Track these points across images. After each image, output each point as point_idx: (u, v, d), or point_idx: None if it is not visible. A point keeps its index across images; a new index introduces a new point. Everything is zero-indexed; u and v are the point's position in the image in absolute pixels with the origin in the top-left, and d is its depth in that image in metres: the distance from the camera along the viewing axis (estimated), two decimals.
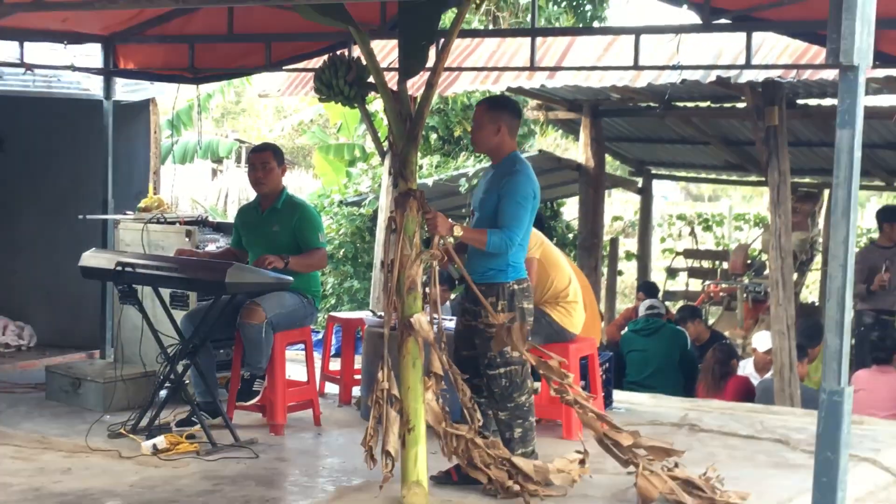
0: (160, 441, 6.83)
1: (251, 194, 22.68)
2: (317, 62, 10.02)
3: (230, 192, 25.96)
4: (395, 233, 5.81)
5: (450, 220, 5.95)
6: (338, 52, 6.57)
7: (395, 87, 6.01)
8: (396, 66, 6.28)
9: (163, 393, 7.29)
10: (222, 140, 24.18)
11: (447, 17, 9.31)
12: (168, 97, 11.22)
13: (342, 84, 6.18)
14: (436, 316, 5.89)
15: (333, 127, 20.34)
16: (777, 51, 9.35)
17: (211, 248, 8.31)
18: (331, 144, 18.48)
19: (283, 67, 9.83)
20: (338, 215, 15.56)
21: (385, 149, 10.89)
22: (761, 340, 10.20)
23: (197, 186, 25.88)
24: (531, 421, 6.20)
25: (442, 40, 6.20)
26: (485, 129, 6.17)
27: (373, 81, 6.09)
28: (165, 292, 7.54)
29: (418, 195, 5.82)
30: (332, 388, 8.51)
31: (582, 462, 6.05)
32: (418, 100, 6.38)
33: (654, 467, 5.77)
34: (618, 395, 8.51)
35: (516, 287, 6.08)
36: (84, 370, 8.24)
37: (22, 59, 9.00)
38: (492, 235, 5.91)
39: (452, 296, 9.47)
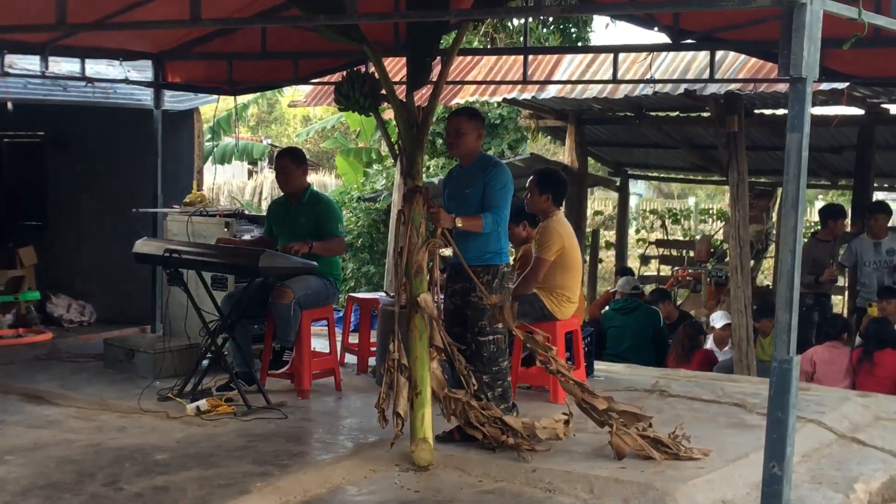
0: (202, 404, 6.82)
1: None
2: (338, 76, 10.02)
3: (264, 189, 25.94)
4: (404, 224, 5.81)
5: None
6: (355, 68, 6.53)
7: (404, 98, 6.00)
8: (405, 79, 6.27)
9: (205, 362, 7.27)
10: (256, 144, 24.15)
11: (449, 38, 9.27)
12: (209, 107, 11.20)
13: (358, 96, 6.16)
14: (439, 296, 5.91)
15: (353, 133, 20.28)
16: (737, 67, 9.33)
17: (246, 237, 8.30)
18: (350, 148, 18.42)
19: (309, 81, 9.80)
20: (357, 210, 15.53)
21: (397, 152, 10.88)
22: (718, 319, 10.24)
23: (235, 184, 25.86)
24: (508, 381, 6.29)
25: (444, 58, 6.17)
26: (469, 135, 6.17)
27: (385, 93, 6.08)
28: (207, 275, 7.52)
29: (424, 191, 5.83)
30: (351, 359, 8.48)
31: (567, 422, 6.05)
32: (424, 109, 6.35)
33: (627, 428, 5.77)
34: (598, 365, 8.50)
35: (505, 270, 6.21)
36: (137, 342, 8.22)
37: (83, 74, 8.98)
38: (485, 218, 5.99)
39: None
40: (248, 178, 27.87)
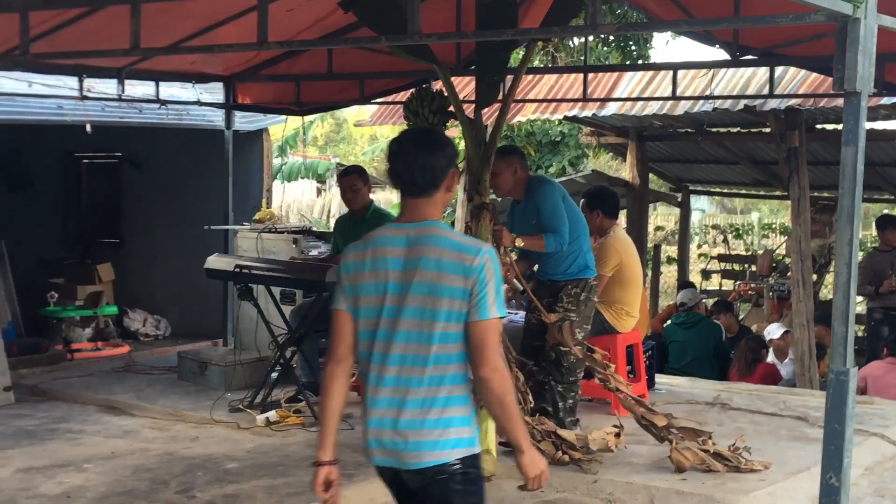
0: (272, 415, 6.92)
1: None
2: (401, 96, 10.11)
3: (332, 206, 26.17)
4: None
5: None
6: (424, 86, 6.62)
7: (471, 116, 6.05)
8: (471, 98, 6.32)
9: (274, 375, 7.35)
10: (322, 162, 24.39)
11: (515, 57, 9.29)
12: (278, 126, 11.35)
13: (427, 112, 6.23)
14: (507, 311, 5.95)
15: None
16: (797, 82, 9.22)
17: (314, 252, 8.40)
18: None
19: (374, 101, 9.89)
20: None
21: (461, 169, 10.93)
22: (774, 329, 10.17)
23: (304, 202, 26.12)
24: (578, 394, 6.32)
25: (512, 77, 6.21)
26: (504, 174, 6.19)
27: (452, 110, 6.13)
28: (276, 290, 7.62)
29: (490, 208, 5.86)
30: None
31: (618, 434, 6.04)
32: (490, 127, 6.40)
33: (686, 443, 5.74)
34: (660, 378, 8.44)
35: (594, 283, 6.31)
36: (209, 355, 8.35)
37: (157, 96, 9.15)
38: (546, 238, 6.03)
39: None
40: (317, 196, 28.13)
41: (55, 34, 6.74)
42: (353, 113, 24.53)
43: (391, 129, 23.15)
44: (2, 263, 9.07)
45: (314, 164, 23.01)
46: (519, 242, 5.94)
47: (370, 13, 5.30)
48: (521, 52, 8.42)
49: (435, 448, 3.11)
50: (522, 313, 6.88)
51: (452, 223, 11.67)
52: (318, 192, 28.66)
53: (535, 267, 6.63)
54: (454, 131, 13.03)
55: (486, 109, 6.31)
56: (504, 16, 5.50)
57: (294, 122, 12.05)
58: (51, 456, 6.20)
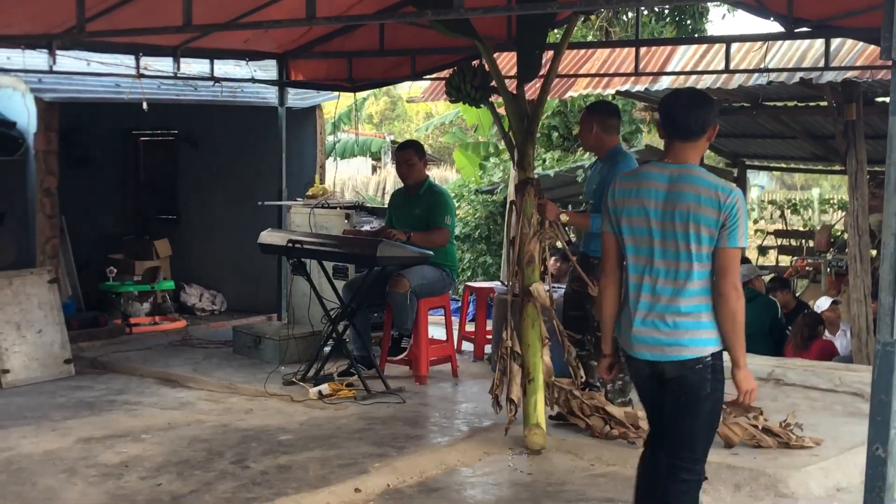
0: (325, 388, 7.02)
1: None
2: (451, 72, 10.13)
3: (387, 184, 26.30)
4: (516, 215, 5.87)
5: (557, 206, 6.02)
6: (472, 63, 6.63)
7: (515, 91, 6.05)
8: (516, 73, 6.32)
9: (326, 349, 7.46)
10: (376, 139, 24.51)
11: (560, 33, 9.28)
12: (331, 103, 11.41)
13: (469, 88, 6.25)
14: (552, 285, 5.96)
15: (471, 128, 20.41)
16: (855, 54, 9.09)
17: (366, 227, 8.48)
18: (468, 142, 18.54)
19: (425, 77, 9.91)
20: (474, 202, 15.66)
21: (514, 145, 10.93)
22: (822, 303, 10.07)
23: (360, 179, 26.27)
24: (628, 374, 6.23)
25: (555, 51, 6.19)
26: (582, 128, 6.24)
27: (495, 86, 6.15)
28: (328, 265, 7.71)
29: (535, 183, 5.87)
30: (467, 346, 8.59)
31: None
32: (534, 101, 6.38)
33: (735, 417, 5.72)
34: None
35: None
36: (263, 330, 8.47)
37: (212, 74, 9.24)
38: (594, 219, 5.95)
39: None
40: (372, 174, 28.28)
41: (112, 13, 6.85)
42: (408, 90, 24.63)
43: (446, 106, 23.20)
44: (63, 239, 9.25)
45: (367, 141, 23.13)
46: (564, 217, 5.93)
47: None
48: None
49: (692, 344, 3.81)
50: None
51: (506, 198, 11.70)
52: (374, 169, 28.83)
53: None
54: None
55: (529, 84, 6.30)
56: None
57: (347, 99, 12.13)
58: (110, 426, 6.35)
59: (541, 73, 6.37)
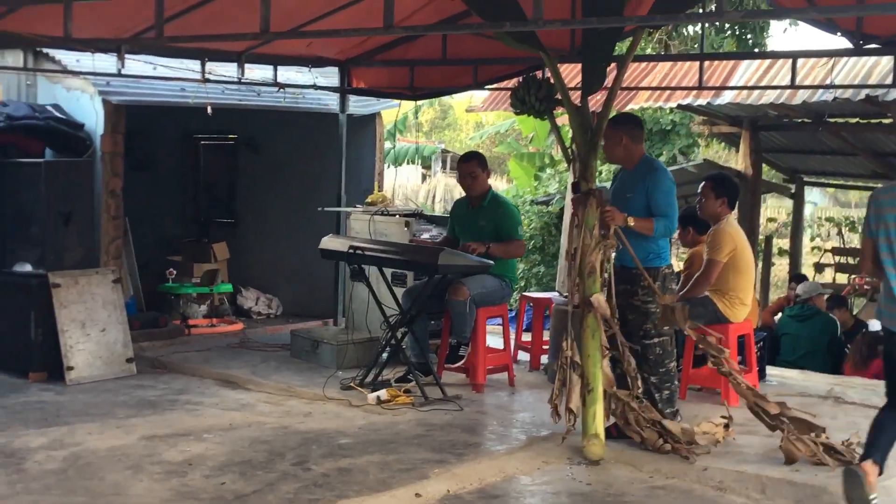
0: (383, 393, 7.09)
1: (455, 195, 23.06)
2: (514, 82, 10.17)
3: (437, 192, 26.41)
4: (578, 226, 5.90)
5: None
6: (532, 74, 6.68)
7: (578, 103, 6.09)
8: (580, 85, 6.36)
9: (384, 355, 7.53)
10: (428, 146, 24.63)
11: (624, 45, 9.32)
12: (390, 111, 11.49)
13: (534, 100, 6.29)
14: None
15: (525, 138, 20.45)
16: None
17: (425, 236, 8.55)
18: (523, 153, 18.59)
19: (487, 87, 9.97)
20: (529, 212, 15.68)
21: (570, 156, 10.95)
22: (873, 323, 9.96)
23: (409, 186, 26.42)
24: (676, 384, 6.32)
25: (619, 64, 6.22)
26: (610, 141, 6.25)
27: (560, 98, 6.19)
28: (388, 272, 7.78)
29: (597, 194, 5.90)
30: (523, 356, 8.62)
31: (726, 426, 6.04)
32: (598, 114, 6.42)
33: (798, 434, 5.71)
34: (771, 370, 8.39)
35: (667, 272, 6.23)
36: (321, 334, 8.56)
37: (275, 80, 9.38)
38: (657, 222, 6.04)
39: None
40: (423, 182, 28.41)
41: (181, 18, 6.99)
42: (458, 99, 24.74)
43: (497, 115, 23.25)
44: (126, 240, 9.43)
45: (420, 148, 23.29)
46: (630, 222, 5.95)
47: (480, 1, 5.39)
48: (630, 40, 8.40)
49: None
50: None
51: (562, 209, 11.73)
52: (423, 177, 28.96)
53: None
54: (561, 119, 13.09)
55: (594, 97, 6.33)
56: (611, 1, 5.51)
57: (403, 106, 12.23)
58: (172, 425, 6.48)
59: (604, 85, 6.42)
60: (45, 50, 8.52)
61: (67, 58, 8.75)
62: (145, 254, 10.48)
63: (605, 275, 5.91)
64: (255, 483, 5.34)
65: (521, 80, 6.50)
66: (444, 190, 26.23)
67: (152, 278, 10.39)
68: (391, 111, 11.15)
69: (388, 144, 13.85)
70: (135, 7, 7.05)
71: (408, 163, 23.22)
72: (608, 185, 12.65)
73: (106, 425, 6.45)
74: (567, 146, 6.30)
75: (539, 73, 8.51)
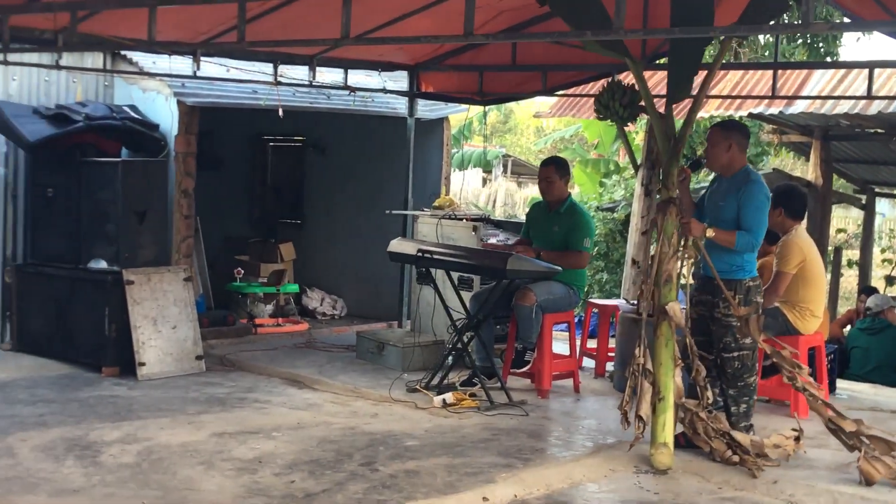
0: (448, 396, 7.14)
1: (515, 200, 23.03)
2: (583, 88, 10.19)
3: (498, 197, 26.42)
4: (656, 233, 5.89)
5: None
6: (613, 79, 6.67)
7: (662, 110, 6.08)
8: (660, 93, 6.35)
9: (450, 358, 7.56)
10: (492, 151, 24.67)
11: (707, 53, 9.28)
12: (458, 115, 11.56)
13: (618, 106, 6.28)
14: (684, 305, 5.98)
15: (590, 145, 20.40)
16: None
17: (492, 241, 8.60)
18: (588, 159, 18.56)
19: (555, 93, 9.98)
20: (593, 219, 15.64)
21: (638, 163, 10.91)
22: None
23: (470, 191, 26.47)
24: (754, 399, 6.25)
25: (706, 72, 6.18)
26: (718, 146, 6.19)
27: (642, 104, 6.18)
28: (454, 276, 7.82)
29: (678, 202, 5.89)
30: (588, 363, 8.63)
31: (797, 439, 5.98)
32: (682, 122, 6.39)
33: (877, 453, 5.64)
34: (840, 383, 8.31)
35: (751, 284, 6.13)
36: (387, 336, 8.64)
37: (346, 83, 9.48)
38: (740, 236, 5.97)
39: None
40: (483, 186, 28.44)
41: (255, 22, 7.11)
42: (520, 103, 24.70)
43: (558, 122, 23.21)
44: (196, 239, 9.59)
45: (482, 153, 23.35)
46: (710, 234, 5.93)
47: (565, 6, 5.41)
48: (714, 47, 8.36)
49: None
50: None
51: (627, 216, 11.70)
52: (484, 181, 28.98)
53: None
54: (631, 126, 13.03)
55: (677, 104, 6.31)
56: (700, 10, 5.51)
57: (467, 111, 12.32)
58: (242, 423, 6.58)
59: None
60: (122, 52, 8.71)
61: (144, 60, 8.93)
62: (213, 253, 10.65)
63: (682, 284, 5.90)
64: (323, 482, 5.41)
65: (605, 85, 6.51)
66: (505, 195, 26.25)
67: (220, 277, 10.56)
68: (458, 115, 11.20)
69: (453, 149, 13.93)
70: (211, 11, 7.21)
71: (472, 167, 23.29)
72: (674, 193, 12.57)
73: (177, 421, 6.58)
74: (636, 155, 6.30)
75: (605, 81, 8.53)
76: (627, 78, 7.19)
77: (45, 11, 6.44)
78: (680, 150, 5.94)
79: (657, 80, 9.25)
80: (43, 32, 7.17)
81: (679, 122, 6.33)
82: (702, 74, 6.09)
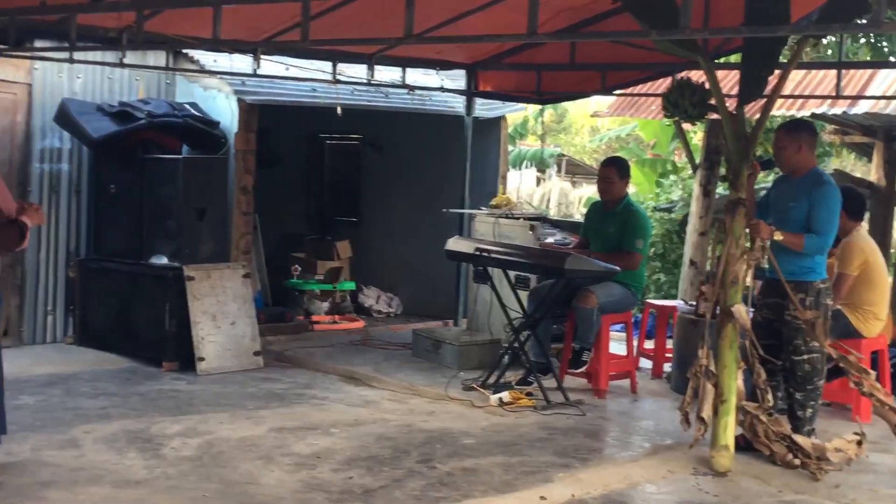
0: (505, 395, 7.15)
1: (570, 199, 22.92)
2: (641, 88, 10.12)
3: (552, 197, 26.33)
4: (724, 234, 5.84)
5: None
6: (677, 78, 6.61)
7: (733, 110, 6.01)
8: (728, 91, 6.27)
9: (506, 357, 7.59)
10: (547, 149, 24.62)
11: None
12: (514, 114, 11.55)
13: (687, 104, 6.22)
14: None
15: (646, 144, 20.26)
16: None
17: (549, 240, 8.58)
18: (645, 159, 18.43)
19: (614, 92, 9.94)
20: (650, 219, 15.53)
21: (696, 163, 10.83)
22: None
23: (525, 190, 26.40)
24: (819, 403, 6.18)
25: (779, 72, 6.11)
26: (787, 149, 6.14)
27: (712, 103, 6.12)
28: (511, 274, 7.82)
29: (747, 203, 5.83)
30: (645, 363, 8.59)
31: (859, 443, 5.91)
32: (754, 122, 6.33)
33: None
34: None
35: (822, 286, 6.06)
36: (443, 335, 8.67)
37: (404, 81, 9.52)
38: (808, 239, 5.91)
39: None
40: (538, 185, 28.36)
41: (315, 21, 7.16)
42: (575, 103, 24.57)
43: (612, 121, 23.09)
44: (255, 236, 9.69)
45: (537, 152, 23.29)
46: (778, 236, 5.87)
47: (637, 4, 5.38)
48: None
49: None
50: None
51: (684, 217, 11.63)
52: (538, 181, 28.91)
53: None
54: (688, 125, 12.96)
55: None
56: (776, 8, 5.44)
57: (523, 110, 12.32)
58: (300, 419, 6.65)
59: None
60: (183, 50, 8.82)
61: (205, 58, 9.04)
62: (270, 250, 10.75)
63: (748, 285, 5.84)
64: (381, 479, 5.44)
65: (674, 83, 6.46)
66: (559, 194, 26.14)
67: (277, 274, 10.65)
68: (514, 114, 11.18)
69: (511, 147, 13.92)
70: (273, 10, 7.29)
71: (528, 166, 23.25)
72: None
73: (236, 416, 6.67)
74: (693, 152, 6.24)
75: (665, 80, 8.47)
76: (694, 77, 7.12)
77: (111, 10, 6.55)
78: (750, 150, 5.88)
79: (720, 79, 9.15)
80: (107, 31, 7.30)
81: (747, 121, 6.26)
82: (775, 74, 6.02)
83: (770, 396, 5.90)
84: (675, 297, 11.93)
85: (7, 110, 8.47)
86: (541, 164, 24.79)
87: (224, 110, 9.05)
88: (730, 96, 6.45)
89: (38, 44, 8.08)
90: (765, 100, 6.10)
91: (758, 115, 10.55)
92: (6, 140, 8.42)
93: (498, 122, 10.97)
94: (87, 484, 5.17)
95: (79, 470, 5.38)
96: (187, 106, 8.93)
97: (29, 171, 8.63)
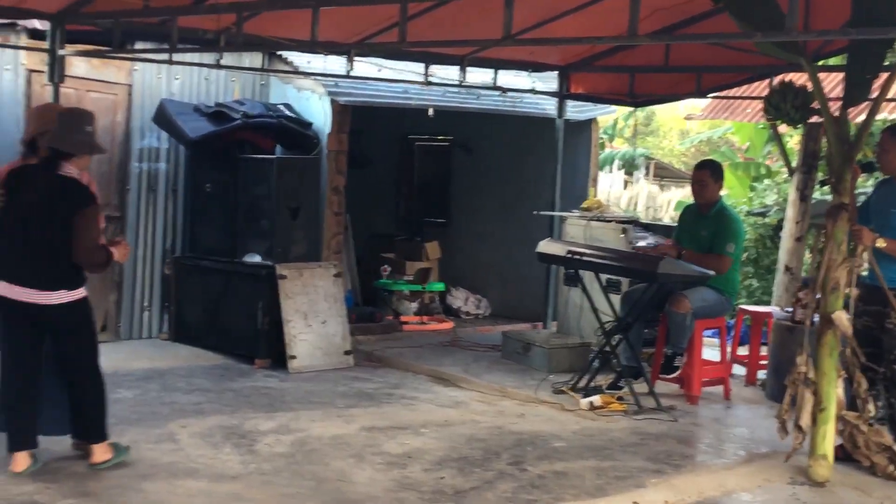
0: (596, 399, 7.09)
1: (658, 203, 22.63)
2: (736, 91, 9.97)
3: (640, 200, 26.08)
4: (825, 239, 5.72)
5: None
6: (779, 80, 6.49)
7: (837, 114, 5.89)
8: (829, 95, 6.14)
9: (597, 360, 7.53)
10: (636, 152, 24.41)
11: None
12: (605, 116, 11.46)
13: (790, 107, 6.09)
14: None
15: (738, 148, 19.93)
16: None
17: (641, 244, 8.50)
18: (738, 162, 18.13)
19: (709, 95, 9.81)
20: (744, 223, 15.27)
21: (793, 167, 10.61)
22: None
23: (612, 193, 26.18)
24: None
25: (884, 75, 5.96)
26: (891, 152, 5.99)
27: (815, 106, 5.99)
28: (602, 278, 7.76)
29: (850, 209, 5.70)
30: (738, 370, 8.44)
31: None
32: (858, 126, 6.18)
33: None
34: None
35: None
36: (533, 337, 8.65)
37: (495, 83, 9.52)
38: None
39: None
40: (625, 188, 28.13)
41: (410, 22, 7.18)
42: (664, 105, 24.29)
43: (702, 124, 22.76)
44: (346, 236, 9.79)
45: (626, 155, 23.09)
46: (881, 243, 5.73)
47: (739, 5, 5.29)
48: None
49: None
50: None
51: (780, 221, 11.42)
52: (625, 183, 28.65)
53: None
54: (783, 129, 12.67)
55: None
56: (881, 9, 5.31)
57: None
58: (390, 418, 6.69)
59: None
60: (278, 52, 8.95)
61: (299, 59, 9.16)
62: (360, 250, 10.84)
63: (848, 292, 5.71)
64: (472, 480, 5.45)
65: (776, 86, 6.35)
66: (647, 197, 25.87)
67: (366, 274, 10.73)
68: (603, 117, 11.10)
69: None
70: (368, 12, 7.36)
71: (617, 168, 23.08)
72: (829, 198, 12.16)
73: (328, 414, 6.73)
74: (789, 158, 6.12)
75: (758, 84, 8.34)
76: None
77: (211, 13, 6.67)
78: (854, 155, 5.74)
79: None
80: (206, 33, 7.44)
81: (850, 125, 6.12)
82: (881, 77, 5.88)
83: (871, 406, 5.76)
84: (767, 302, 11.70)
85: (108, 110, 8.67)
86: (629, 167, 24.57)
87: (317, 111, 9.15)
88: (831, 99, 6.30)
89: (140, 46, 8.27)
90: (868, 103, 5.94)
91: (859, 118, 10.36)
92: (107, 139, 8.62)
93: (589, 124, 10.90)
94: (185, 477, 5.27)
95: (176, 463, 5.49)
96: (281, 107, 9.06)
97: (128, 169, 8.84)
